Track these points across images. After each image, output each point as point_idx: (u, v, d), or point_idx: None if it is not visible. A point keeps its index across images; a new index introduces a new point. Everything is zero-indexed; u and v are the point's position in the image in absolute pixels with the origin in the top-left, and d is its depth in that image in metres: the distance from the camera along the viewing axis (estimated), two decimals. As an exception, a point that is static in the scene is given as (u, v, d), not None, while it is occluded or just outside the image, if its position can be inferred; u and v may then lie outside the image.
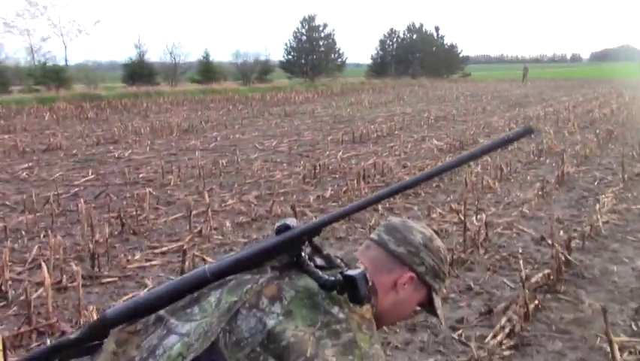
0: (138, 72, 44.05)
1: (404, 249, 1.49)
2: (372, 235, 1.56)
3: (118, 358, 1.31)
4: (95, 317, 3.28)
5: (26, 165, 10.42)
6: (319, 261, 1.39)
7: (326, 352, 1.21)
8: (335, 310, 1.28)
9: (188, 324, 1.29)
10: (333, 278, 1.28)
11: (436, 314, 1.59)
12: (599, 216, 6.05)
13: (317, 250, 1.42)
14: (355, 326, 1.28)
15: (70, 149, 12.50)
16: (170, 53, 49.77)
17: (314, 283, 1.30)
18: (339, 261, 1.43)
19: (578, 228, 5.85)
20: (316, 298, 1.29)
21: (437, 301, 1.58)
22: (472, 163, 9.38)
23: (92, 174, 9.54)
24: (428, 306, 1.60)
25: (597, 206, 6.49)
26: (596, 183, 8.41)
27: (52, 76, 38.22)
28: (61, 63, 44.39)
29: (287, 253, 1.36)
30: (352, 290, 1.26)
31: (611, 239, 5.69)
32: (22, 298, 4.24)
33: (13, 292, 4.41)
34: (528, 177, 8.97)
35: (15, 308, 4.20)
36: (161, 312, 1.35)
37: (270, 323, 1.24)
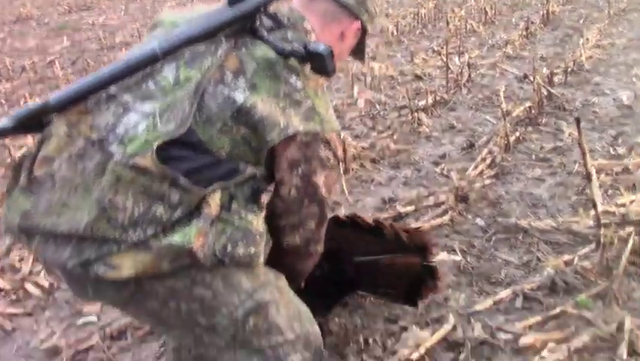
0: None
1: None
2: None
3: (72, 140, 1.30)
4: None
5: (-2, 37, 10.09)
6: (267, 22, 1.38)
7: (293, 120, 1.26)
8: (293, 79, 1.31)
9: (149, 103, 1.28)
10: (291, 48, 1.28)
11: (363, 56, 1.68)
12: (582, 52, 6.00)
13: (269, 16, 1.39)
14: (312, 93, 1.33)
15: (42, 18, 12.02)
16: None
17: (271, 51, 1.30)
18: (286, 20, 1.41)
19: (561, 64, 5.81)
20: (275, 68, 1.30)
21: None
22: (455, 8, 9.17)
23: (67, 41, 9.26)
24: (359, 53, 1.66)
25: (581, 41, 6.41)
26: (581, 21, 8.24)
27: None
28: None
29: (242, 24, 1.34)
30: (319, 65, 1.27)
31: (594, 73, 5.67)
32: (8, 160, 4.27)
33: (-1, 156, 4.43)
34: (513, 19, 8.77)
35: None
36: (112, 89, 1.31)
37: (239, 97, 1.26)
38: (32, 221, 1.29)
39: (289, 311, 1.52)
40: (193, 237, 1.31)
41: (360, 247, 2.22)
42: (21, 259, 3.00)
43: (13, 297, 2.77)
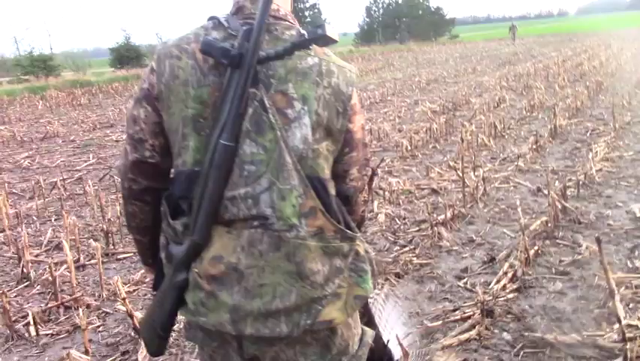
0: (126, 55, 43.75)
1: None
2: None
3: (236, 235, 1.44)
4: (121, 289, 3.47)
5: (27, 154, 10.53)
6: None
7: (342, 86, 1.50)
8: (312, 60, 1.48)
9: (263, 178, 1.42)
10: (291, 45, 1.42)
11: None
12: (592, 165, 6.23)
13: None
14: (326, 57, 1.51)
15: (68, 135, 12.59)
16: (157, 34, 49.49)
17: (289, 61, 1.45)
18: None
19: (572, 177, 6.03)
20: (301, 71, 1.46)
21: None
22: (465, 123, 9.55)
23: (93, 158, 9.68)
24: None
25: (590, 155, 6.67)
26: (588, 134, 8.59)
27: (40, 65, 38.02)
28: (47, 52, 44.09)
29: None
30: (325, 42, 1.45)
31: (605, 185, 5.88)
32: (44, 277, 4.43)
33: (34, 273, 4.58)
34: (522, 133, 9.15)
35: (38, 287, 4.38)
36: (227, 194, 1.43)
37: (306, 120, 1.43)
38: (244, 310, 1.42)
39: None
40: (370, 284, 1.53)
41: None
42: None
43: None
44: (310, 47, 1.46)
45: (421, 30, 61.55)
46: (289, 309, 1.43)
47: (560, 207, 4.91)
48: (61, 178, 7.51)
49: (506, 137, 8.92)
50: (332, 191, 1.52)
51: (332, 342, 1.55)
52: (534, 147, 7.61)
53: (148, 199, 1.58)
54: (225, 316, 1.44)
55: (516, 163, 6.98)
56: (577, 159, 7.10)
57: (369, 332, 1.74)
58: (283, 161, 1.40)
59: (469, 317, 3.37)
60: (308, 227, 1.42)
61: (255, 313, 1.43)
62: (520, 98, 12.93)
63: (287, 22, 1.51)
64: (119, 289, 3.38)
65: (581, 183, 5.78)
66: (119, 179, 1.63)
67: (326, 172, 1.49)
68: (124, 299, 3.28)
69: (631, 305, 3.40)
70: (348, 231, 1.48)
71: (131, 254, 4.97)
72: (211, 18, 1.53)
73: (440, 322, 3.38)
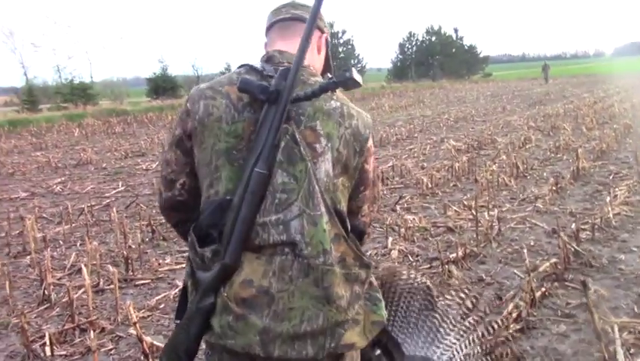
0: (162, 86, 44.82)
1: (312, 15, 1.62)
2: (283, 15, 1.78)
3: (266, 261, 1.55)
4: (133, 314, 3.62)
5: (59, 180, 10.88)
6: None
7: (360, 128, 1.67)
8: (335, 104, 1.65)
9: (294, 205, 1.55)
10: (319, 88, 1.56)
11: (330, 65, 1.88)
12: (609, 208, 6.23)
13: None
14: (347, 101, 1.68)
15: (100, 163, 12.96)
16: (193, 66, 50.59)
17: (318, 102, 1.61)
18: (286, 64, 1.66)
19: (589, 220, 6.04)
20: (327, 112, 1.62)
21: None
22: (488, 162, 9.60)
23: (122, 185, 9.96)
24: (328, 62, 1.88)
25: (608, 198, 6.67)
26: (611, 177, 8.56)
27: (79, 93, 39.18)
28: (87, 80, 45.38)
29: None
30: (352, 85, 1.58)
31: (621, 230, 5.88)
32: (64, 300, 4.59)
33: (55, 295, 4.76)
34: (544, 174, 9.15)
35: (58, 310, 4.55)
36: (259, 220, 1.54)
37: (328, 155, 1.59)
38: (273, 332, 1.52)
39: None
40: (384, 312, 1.68)
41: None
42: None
43: None
44: (335, 92, 1.62)
45: (454, 68, 61.80)
46: (315, 332, 1.53)
47: (572, 249, 4.94)
48: (88, 205, 7.76)
49: (528, 177, 8.94)
50: (348, 224, 1.64)
51: None
52: (554, 188, 7.62)
53: (181, 230, 1.80)
54: (255, 338, 1.52)
55: (534, 204, 7.01)
56: (596, 202, 7.09)
57: None
58: (313, 190, 1.52)
59: (468, 355, 3.41)
60: (335, 252, 1.54)
61: (283, 335, 1.52)
62: (547, 138, 12.93)
63: (311, 69, 1.70)
64: (130, 314, 3.52)
65: (596, 226, 5.79)
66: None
67: (343, 205, 1.63)
68: (135, 323, 3.42)
69: (632, 351, 3.42)
70: (365, 257, 1.61)
71: (149, 281, 5.13)
72: (242, 65, 1.69)
73: (440, 359, 3.44)
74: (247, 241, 1.54)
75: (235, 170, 1.56)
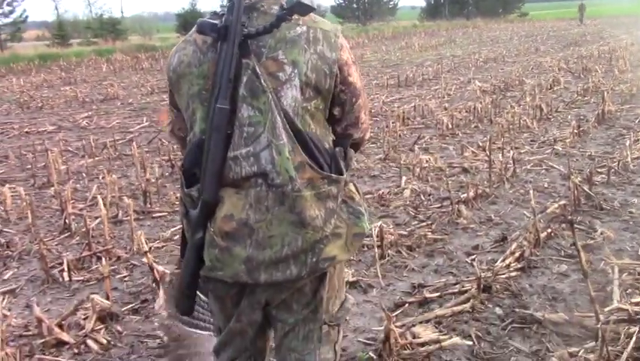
0: (191, 22, 44.35)
1: None
2: None
3: (244, 195, 1.63)
4: (144, 243, 3.78)
5: (86, 114, 11.07)
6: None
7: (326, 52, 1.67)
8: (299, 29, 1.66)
9: (262, 137, 1.61)
10: (276, 18, 1.60)
11: None
12: (629, 152, 6.16)
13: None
14: (312, 23, 1.68)
15: (127, 98, 13.11)
16: (221, 3, 49.97)
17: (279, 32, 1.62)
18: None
19: (606, 163, 5.99)
20: (289, 38, 1.64)
21: None
22: (513, 104, 9.48)
23: (146, 121, 10.11)
24: None
25: (628, 142, 6.58)
26: (637, 121, 8.40)
27: (108, 28, 39.20)
28: (118, 15, 45.28)
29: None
30: (304, 10, 1.62)
31: (638, 173, 5.82)
32: (84, 229, 4.78)
33: (76, 225, 4.96)
34: (569, 117, 9.01)
35: (77, 238, 4.75)
36: (230, 154, 1.60)
37: (296, 81, 1.61)
38: (257, 260, 1.62)
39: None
40: (367, 224, 1.75)
41: None
42: (85, 318, 3.40)
43: (75, 350, 3.15)
44: (295, 17, 1.63)
45: (490, 7, 59.92)
46: (296, 253, 1.62)
47: (582, 192, 4.93)
48: (111, 139, 7.93)
49: (552, 120, 8.83)
50: (325, 145, 1.69)
51: (319, 292, 1.76)
52: (576, 131, 7.53)
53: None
54: (241, 267, 1.63)
55: (553, 147, 6.96)
56: (618, 146, 7.00)
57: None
58: (275, 120, 1.58)
59: (466, 291, 3.51)
60: (300, 179, 1.60)
61: (266, 262, 1.62)
62: (577, 81, 12.66)
63: None
64: (141, 243, 3.67)
65: (613, 169, 5.75)
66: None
67: (313, 127, 1.66)
68: (146, 253, 3.57)
69: (629, 291, 3.46)
70: (333, 175, 1.66)
71: (166, 213, 5.29)
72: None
73: (438, 293, 3.54)
74: (222, 176, 1.61)
75: (205, 109, 1.63)
